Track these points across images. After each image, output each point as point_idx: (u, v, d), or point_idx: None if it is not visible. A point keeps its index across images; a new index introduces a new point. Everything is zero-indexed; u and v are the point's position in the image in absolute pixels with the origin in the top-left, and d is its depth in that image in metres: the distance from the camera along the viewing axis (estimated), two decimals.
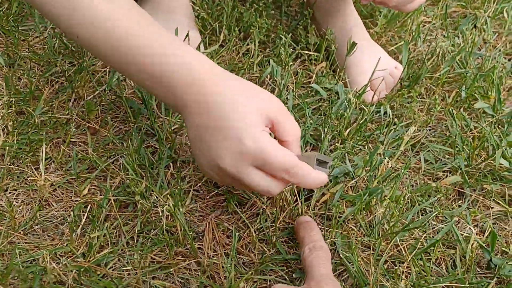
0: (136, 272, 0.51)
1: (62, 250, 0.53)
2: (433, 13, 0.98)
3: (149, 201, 0.56)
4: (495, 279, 0.53)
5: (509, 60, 0.93)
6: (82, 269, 0.49)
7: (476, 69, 0.85)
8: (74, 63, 0.75)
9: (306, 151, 0.68)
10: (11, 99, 0.68)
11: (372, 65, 0.75)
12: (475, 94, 0.77)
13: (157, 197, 0.54)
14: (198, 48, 0.76)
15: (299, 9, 0.91)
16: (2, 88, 0.69)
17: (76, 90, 0.71)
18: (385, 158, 0.61)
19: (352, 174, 0.63)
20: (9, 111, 0.66)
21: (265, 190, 0.47)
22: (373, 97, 0.75)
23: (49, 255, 0.51)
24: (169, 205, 0.51)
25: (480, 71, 0.84)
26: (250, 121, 0.46)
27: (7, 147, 0.61)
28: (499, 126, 0.75)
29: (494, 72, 0.79)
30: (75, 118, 0.67)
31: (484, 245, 0.56)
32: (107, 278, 0.50)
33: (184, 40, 0.76)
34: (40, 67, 0.74)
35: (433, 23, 0.96)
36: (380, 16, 0.89)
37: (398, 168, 0.63)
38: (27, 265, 0.50)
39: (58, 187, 0.60)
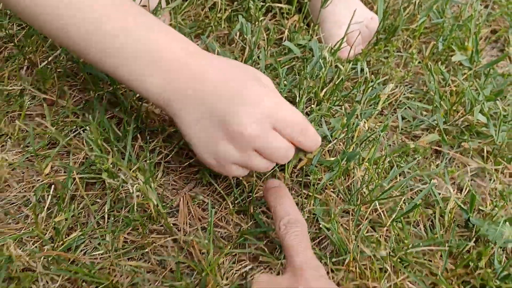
0: (109, 255, 0.49)
1: (28, 235, 0.51)
2: None
3: (118, 179, 0.54)
4: (473, 239, 0.54)
5: (486, 7, 0.92)
6: (50, 257, 0.47)
7: (453, 19, 0.84)
8: (24, 26, 0.70)
9: None
10: None
11: (348, 17, 0.72)
12: (452, 46, 0.77)
13: (125, 174, 0.52)
14: (159, 4, 0.71)
15: None
16: None
17: (28, 57, 0.66)
18: (362, 120, 0.60)
19: (329, 138, 0.62)
20: None
21: (283, 154, 0.50)
22: (349, 53, 0.73)
23: (14, 241, 0.49)
24: (139, 183, 0.49)
25: (457, 20, 0.83)
26: (261, 84, 0.49)
27: None
28: (476, 79, 0.75)
29: (471, 22, 0.78)
30: (29, 89, 0.63)
31: (462, 205, 0.57)
32: (78, 263, 0.49)
33: None
34: None
35: None
36: None
37: (376, 129, 0.62)
38: None
39: (18, 166, 0.57)
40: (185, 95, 0.48)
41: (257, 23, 0.73)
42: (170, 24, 0.75)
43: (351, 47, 0.72)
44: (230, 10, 0.77)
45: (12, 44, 0.67)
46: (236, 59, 0.70)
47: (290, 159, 0.51)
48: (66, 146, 0.58)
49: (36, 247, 0.50)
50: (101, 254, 0.50)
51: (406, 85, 0.74)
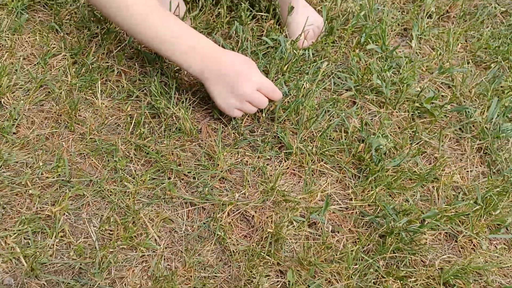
0: (167, 148, 0.96)
1: (124, 138, 0.97)
2: None
3: (167, 112, 1.00)
4: (364, 143, 1.01)
5: (401, 12, 1.38)
6: (138, 145, 0.94)
7: (376, 22, 1.29)
8: (103, 27, 1.16)
9: None
10: (66, 54, 1.09)
11: (304, 21, 1.19)
12: (369, 40, 1.23)
13: (172, 108, 0.98)
14: (185, 14, 1.18)
15: None
16: (59, 47, 1.10)
17: (108, 47, 1.12)
18: (305, 82, 1.06)
19: (287, 93, 1.08)
20: (67, 62, 1.07)
21: (263, 102, 0.97)
22: (303, 43, 1.19)
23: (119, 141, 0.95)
24: (181, 113, 0.96)
25: (378, 23, 1.29)
26: (252, 67, 0.96)
27: (75, 86, 1.03)
28: (387, 60, 1.21)
29: (383, 23, 1.25)
30: (113, 64, 1.09)
31: (360, 129, 1.03)
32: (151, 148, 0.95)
33: (170, 7, 1.18)
34: (77, 30, 1.14)
35: None
36: None
37: (315, 89, 1.09)
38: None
39: (111, 107, 1.03)
40: (212, 73, 0.94)
41: (246, 25, 1.19)
42: (192, 26, 1.20)
43: (305, 40, 1.18)
44: (229, 17, 1.23)
45: (98, 38, 1.13)
46: (233, 49, 1.16)
47: (266, 106, 0.98)
48: (138, 96, 1.04)
49: (132, 144, 0.96)
50: (166, 146, 0.96)
51: (339, 64, 1.20)
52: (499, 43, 1.30)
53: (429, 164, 1.03)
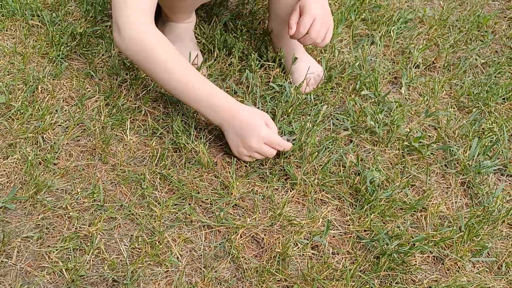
0: (188, 178, 1.07)
1: (150, 169, 1.08)
2: (347, 34, 1.55)
3: (188, 147, 1.11)
4: (360, 176, 1.11)
5: (392, 62, 1.52)
6: (162, 175, 1.04)
7: (369, 71, 1.43)
8: (132, 73, 1.29)
9: None
10: (100, 97, 1.21)
11: (306, 70, 1.32)
12: (364, 86, 1.36)
13: (191, 144, 1.10)
14: (202, 63, 1.31)
15: (262, 35, 1.46)
16: (93, 90, 1.23)
17: (136, 91, 1.25)
18: (308, 123, 1.18)
19: (292, 133, 1.20)
20: (100, 103, 1.19)
21: (270, 152, 1.08)
22: (305, 89, 1.32)
23: (146, 172, 1.06)
24: (200, 148, 1.07)
25: (371, 72, 1.42)
26: (263, 125, 1.07)
27: (107, 124, 1.15)
28: (379, 104, 1.34)
29: (375, 72, 1.38)
30: (140, 105, 1.21)
31: (356, 163, 1.14)
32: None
33: (190, 58, 1.31)
34: (109, 76, 1.27)
35: (346, 41, 1.54)
36: None
37: (316, 128, 1.20)
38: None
39: (138, 143, 1.14)
40: (227, 124, 1.07)
41: (255, 73, 1.32)
42: (208, 73, 1.34)
43: (307, 86, 1.31)
44: (240, 66, 1.37)
45: (127, 83, 1.25)
46: (244, 93, 1.29)
47: (273, 155, 1.10)
48: (162, 133, 1.16)
49: (158, 174, 1.07)
50: (186, 177, 1.07)
51: (337, 107, 1.32)
52: (479, 90, 1.43)
53: (418, 196, 1.14)
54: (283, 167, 1.13)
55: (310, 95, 1.31)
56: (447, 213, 1.11)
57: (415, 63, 1.49)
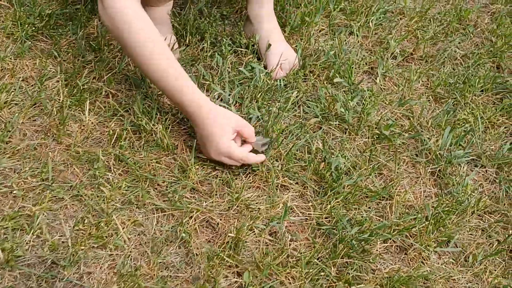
0: (144, 160, 1.00)
1: (105, 150, 1.01)
2: (325, 24, 1.48)
3: (147, 129, 1.04)
4: (325, 162, 1.04)
5: (371, 53, 1.45)
6: (117, 155, 0.97)
7: (345, 59, 1.35)
8: (97, 55, 1.22)
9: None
10: (61, 77, 1.14)
11: (279, 56, 1.25)
12: (337, 74, 1.29)
13: (151, 126, 1.03)
14: (173, 46, 1.25)
15: (237, 21, 1.40)
16: (55, 71, 1.16)
17: (100, 73, 1.18)
18: (274, 108, 1.11)
19: (260, 118, 1.13)
20: (61, 83, 1.13)
21: (233, 164, 1.00)
22: (276, 74, 1.25)
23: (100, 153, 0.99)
24: (160, 128, 1.00)
25: (346, 60, 1.35)
26: (222, 133, 0.98)
27: (65, 104, 1.08)
28: (352, 93, 1.26)
29: (350, 61, 1.31)
30: (102, 86, 1.14)
31: (322, 149, 1.07)
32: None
33: (165, 39, 1.24)
34: (73, 58, 1.21)
35: (324, 30, 1.47)
36: (288, 26, 1.39)
37: (283, 114, 1.13)
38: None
39: (97, 123, 1.07)
40: (198, 125, 1.00)
41: (226, 58, 1.26)
42: (179, 58, 1.27)
43: (280, 71, 1.24)
44: (212, 51, 1.30)
45: (91, 65, 1.19)
46: (213, 78, 1.22)
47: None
48: (122, 115, 1.09)
49: (112, 154, 1.00)
50: (140, 159, 1.00)
51: (308, 94, 1.25)
52: (456, 80, 1.36)
53: (385, 184, 1.06)
54: None
55: (281, 81, 1.24)
56: (414, 202, 1.03)
57: (393, 53, 1.42)
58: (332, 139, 1.15)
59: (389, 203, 1.02)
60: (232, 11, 1.46)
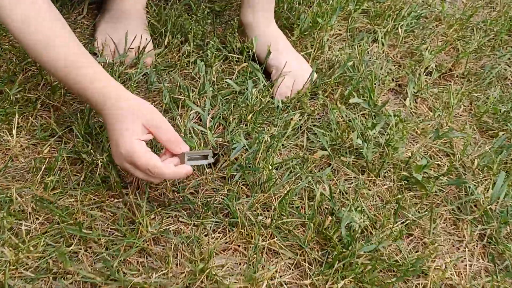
0: (76, 205, 0.71)
1: (26, 187, 0.72)
2: (343, 27, 1.19)
3: (94, 159, 0.75)
4: (332, 218, 0.74)
5: (399, 66, 1.15)
6: (37, 198, 0.69)
7: (365, 73, 1.06)
8: None
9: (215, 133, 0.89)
10: None
11: (290, 66, 0.96)
12: (354, 93, 0.99)
13: (95, 155, 0.74)
14: (144, 47, 0.96)
15: (233, 18, 1.11)
16: None
17: (45, 77, 0.90)
18: (266, 136, 0.81)
19: (247, 149, 0.84)
20: None
21: (145, 179, 0.69)
22: (276, 92, 0.95)
23: (16, 191, 0.71)
24: (104, 159, 0.71)
25: (368, 75, 1.05)
26: (128, 134, 0.67)
27: None
28: (374, 118, 0.96)
29: (372, 75, 1.01)
30: (43, 98, 0.86)
31: (329, 197, 0.77)
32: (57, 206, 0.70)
33: (133, 40, 0.96)
34: (17, 57, 0.93)
35: (341, 36, 1.17)
36: (297, 28, 1.10)
37: (279, 144, 0.84)
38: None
39: (26, 147, 0.79)
40: (104, 121, 0.71)
41: (212, 66, 0.97)
42: (154, 63, 0.98)
43: (277, 89, 0.95)
44: (196, 56, 1.01)
45: (35, 67, 0.91)
46: (188, 91, 0.93)
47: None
48: (61, 137, 0.81)
49: (31, 196, 0.72)
50: (73, 205, 0.71)
51: (315, 118, 0.95)
52: (509, 108, 1.05)
53: (415, 252, 0.76)
54: (224, 196, 0.77)
55: (275, 99, 0.94)
56: (457, 283, 0.73)
57: (427, 68, 1.12)
58: (345, 181, 0.84)
59: (422, 283, 0.71)
60: (228, 8, 1.18)
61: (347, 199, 0.80)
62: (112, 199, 0.74)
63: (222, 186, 0.79)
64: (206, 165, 0.79)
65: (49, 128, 0.82)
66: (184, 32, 1.04)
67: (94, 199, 0.74)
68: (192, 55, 1.01)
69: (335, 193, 0.80)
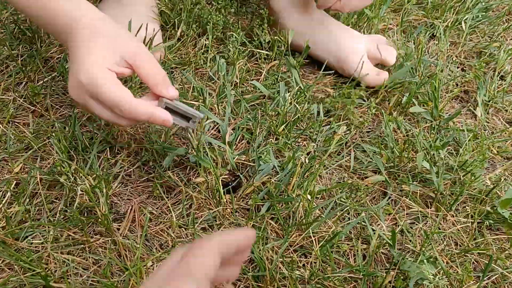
0: (47, 246, 0.53)
1: None
2: (395, 20, 0.99)
3: (76, 182, 0.58)
4: (394, 272, 0.55)
5: (462, 69, 0.94)
6: None
7: (425, 76, 0.86)
8: (29, 48, 0.77)
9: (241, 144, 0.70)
10: None
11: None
12: (414, 100, 0.79)
13: (79, 181, 0.57)
14: (151, 39, 0.78)
15: (259, 9, 0.93)
16: None
17: (28, 75, 0.73)
18: (303, 155, 0.62)
19: (278, 171, 0.65)
20: None
21: (111, 120, 0.52)
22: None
23: None
24: (85, 185, 0.53)
25: (429, 78, 0.85)
26: (93, 58, 0.51)
27: None
28: (433, 131, 0.77)
29: (436, 80, 0.81)
30: (20, 101, 0.69)
31: (389, 240, 0.57)
32: (19, 251, 0.53)
33: (138, 30, 0.79)
34: None
35: (393, 30, 0.97)
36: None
37: (320, 168, 0.65)
38: None
39: None
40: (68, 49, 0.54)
41: (235, 64, 0.78)
42: (164, 59, 0.81)
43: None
44: (216, 52, 0.83)
45: (15, 63, 0.74)
46: (203, 94, 0.75)
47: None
48: (38, 151, 0.64)
49: None
50: (44, 246, 0.54)
51: (367, 131, 0.76)
52: None
53: None
54: (251, 225, 0.58)
55: (319, 106, 0.75)
56: None
57: (499, 72, 0.91)
58: (407, 216, 0.65)
59: None
60: None
61: (411, 242, 0.60)
62: (98, 237, 0.56)
63: (244, 221, 0.60)
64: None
65: (26, 140, 0.65)
66: (201, 23, 0.87)
67: (73, 237, 0.56)
68: (210, 51, 0.83)
69: (396, 234, 0.60)
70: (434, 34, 0.99)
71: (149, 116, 0.51)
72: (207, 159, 0.63)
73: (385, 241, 0.58)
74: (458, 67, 0.94)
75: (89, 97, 0.51)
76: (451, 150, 0.74)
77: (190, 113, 0.54)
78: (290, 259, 0.55)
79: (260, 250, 0.55)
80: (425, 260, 0.55)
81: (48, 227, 0.55)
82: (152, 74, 0.53)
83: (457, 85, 0.89)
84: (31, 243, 0.54)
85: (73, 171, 0.59)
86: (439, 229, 0.62)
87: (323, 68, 0.79)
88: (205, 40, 0.84)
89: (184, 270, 0.33)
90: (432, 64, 0.90)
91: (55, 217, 0.57)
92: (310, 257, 0.57)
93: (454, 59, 0.94)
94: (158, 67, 0.54)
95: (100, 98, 0.50)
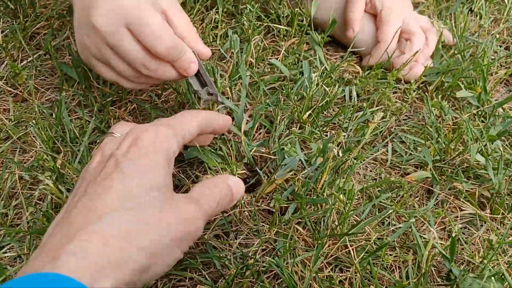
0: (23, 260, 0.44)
1: None
2: None
3: (63, 180, 0.48)
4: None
5: (506, 48, 0.84)
6: None
7: (468, 57, 0.76)
8: (13, 23, 0.67)
9: (259, 133, 0.60)
10: None
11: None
12: (460, 84, 0.69)
13: (71, 175, 0.47)
14: None
15: None
16: None
17: (11, 53, 0.64)
18: (335, 147, 0.52)
19: (306, 166, 0.55)
20: None
21: (137, 62, 0.46)
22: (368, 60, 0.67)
23: None
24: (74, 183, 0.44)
25: (471, 58, 0.75)
26: None
27: None
28: (482, 118, 0.67)
29: (484, 60, 0.70)
30: (1, 83, 0.59)
31: (444, 252, 0.48)
32: None
33: None
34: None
35: (424, 4, 0.87)
36: None
37: (357, 161, 0.55)
38: None
39: None
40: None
41: (250, 41, 0.68)
42: None
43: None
44: (227, 27, 0.73)
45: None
46: (221, 76, 0.65)
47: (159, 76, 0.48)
48: (18, 142, 0.54)
49: None
50: (19, 256, 0.44)
51: (404, 119, 0.66)
52: None
53: None
54: (269, 245, 0.48)
55: (347, 88, 0.65)
56: None
57: None
58: (460, 219, 0.55)
59: None
60: None
61: (464, 251, 0.50)
62: None
63: (266, 227, 0.50)
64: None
65: (3, 128, 0.55)
66: None
67: None
68: (221, 26, 0.72)
69: (448, 245, 0.51)
70: (472, 9, 0.88)
71: (185, 51, 0.48)
72: (220, 152, 0.53)
73: (437, 250, 0.49)
74: (500, 46, 0.83)
75: (125, 28, 0.44)
76: (505, 141, 0.64)
77: (209, 83, 0.51)
78: (325, 275, 0.46)
79: (288, 263, 0.45)
80: (490, 275, 0.45)
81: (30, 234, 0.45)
82: (189, 26, 0.50)
83: (501, 66, 0.78)
84: (6, 255, 0.45)
85: (59, 167, 0.50)
86: (496, 235, 0.53)
87: (351, 46, 0.69)
88: (214, 14, 0.73)
89: (163, 122, 0.39)
90: (474, 42, 0.79)
91: (37, 223, 0.47)
92: (348, 271, 0.48)
93: (495, 36, 0.84)
94: (191, 23, 0.51)
95: (143, 22, 0.44)
